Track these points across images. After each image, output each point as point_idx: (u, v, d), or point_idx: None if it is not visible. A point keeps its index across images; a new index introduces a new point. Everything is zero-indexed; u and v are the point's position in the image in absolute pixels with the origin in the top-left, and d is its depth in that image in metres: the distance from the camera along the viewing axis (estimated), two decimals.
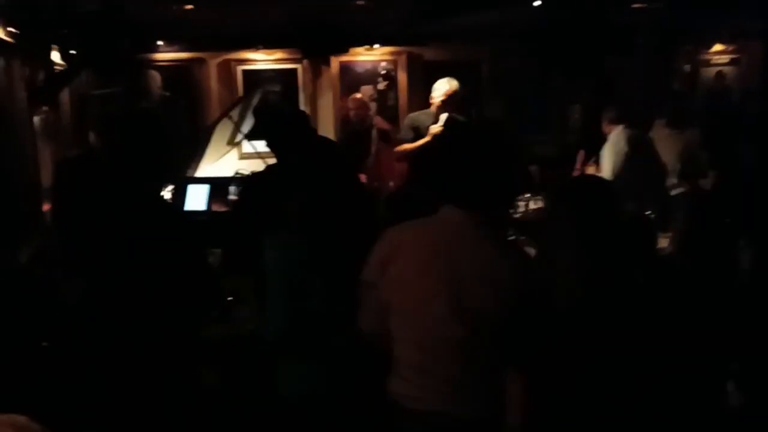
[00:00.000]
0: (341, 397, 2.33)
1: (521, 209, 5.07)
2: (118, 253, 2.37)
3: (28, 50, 4.34)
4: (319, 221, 2.36)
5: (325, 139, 4.41)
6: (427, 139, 5.02)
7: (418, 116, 5.30)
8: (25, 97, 4.13)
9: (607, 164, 4.98)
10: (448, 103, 4.97)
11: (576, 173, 5.32)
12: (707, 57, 7.70)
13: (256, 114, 4.26)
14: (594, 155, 5.38)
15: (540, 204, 5.09)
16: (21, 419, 1.67)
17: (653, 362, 2.09)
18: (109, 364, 2.38)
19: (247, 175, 4.82)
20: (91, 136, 4.02)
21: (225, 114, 5.42)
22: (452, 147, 2.06)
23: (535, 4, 5.67)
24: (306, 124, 3.82)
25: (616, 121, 5.09)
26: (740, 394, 2.37)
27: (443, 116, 4.95)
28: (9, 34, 3.95)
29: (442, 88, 5.01)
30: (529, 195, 5.13)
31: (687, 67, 7.67)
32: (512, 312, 1.86)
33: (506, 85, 7.37)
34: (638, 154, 4.95)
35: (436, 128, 4.98)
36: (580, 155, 5.47)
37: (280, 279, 2.30)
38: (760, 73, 3.34)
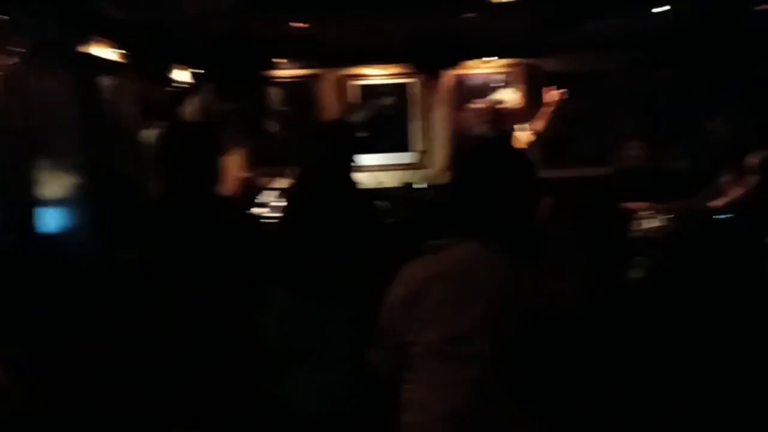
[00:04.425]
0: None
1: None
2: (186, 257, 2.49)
3: (148, 70, 4.69)
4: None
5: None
6: None
7: None
8: (136, 113, 4.46)
9: None
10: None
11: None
12: None
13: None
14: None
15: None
16: None
17: None
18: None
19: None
20: None
21: None
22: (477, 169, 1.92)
23: (660, 9, 5.31)
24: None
25: None
26: None
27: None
28: (123, 56, 4.29)
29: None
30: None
31: None
32: (533, 337, 1.75)
33: (643, 96, 6.89)
34: None
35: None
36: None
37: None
38: None
